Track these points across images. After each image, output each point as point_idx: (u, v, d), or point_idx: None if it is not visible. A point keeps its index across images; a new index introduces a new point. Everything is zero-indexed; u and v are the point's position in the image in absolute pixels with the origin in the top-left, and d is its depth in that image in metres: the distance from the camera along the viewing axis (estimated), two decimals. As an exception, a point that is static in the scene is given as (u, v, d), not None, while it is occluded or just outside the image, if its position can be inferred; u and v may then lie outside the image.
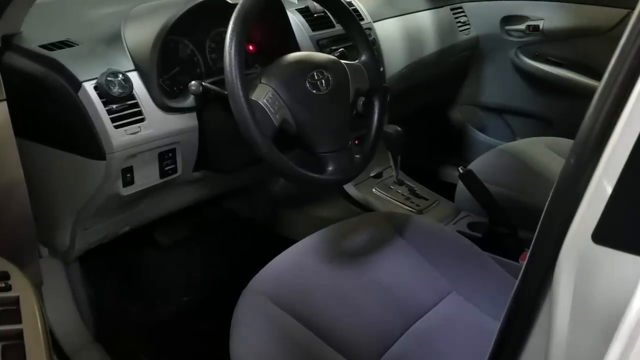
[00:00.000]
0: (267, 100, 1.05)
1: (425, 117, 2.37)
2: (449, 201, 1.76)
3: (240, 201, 1.86)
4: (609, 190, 0.43)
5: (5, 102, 0.87)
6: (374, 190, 1.74)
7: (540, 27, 1.98)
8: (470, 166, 1.61)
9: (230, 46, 0.99)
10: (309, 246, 1.17)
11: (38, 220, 1.17)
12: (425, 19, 1.93)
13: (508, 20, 2.07)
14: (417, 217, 1.31)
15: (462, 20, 2.10)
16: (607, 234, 0.44)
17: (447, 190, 1.78)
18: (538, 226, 0.51)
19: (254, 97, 1.05)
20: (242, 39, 1.00)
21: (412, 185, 1.78)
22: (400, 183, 1.76)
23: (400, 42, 1.78)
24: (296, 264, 1.13)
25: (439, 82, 2.19)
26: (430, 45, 1.92)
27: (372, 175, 1.80)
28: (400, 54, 1.77)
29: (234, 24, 1.01)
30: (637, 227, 0.43)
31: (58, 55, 1.07)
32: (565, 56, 1.98)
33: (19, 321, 0.68)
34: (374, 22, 1.68)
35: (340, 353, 0.98)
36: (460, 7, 2.11)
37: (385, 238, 1.21)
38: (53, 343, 1.27)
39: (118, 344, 1.42)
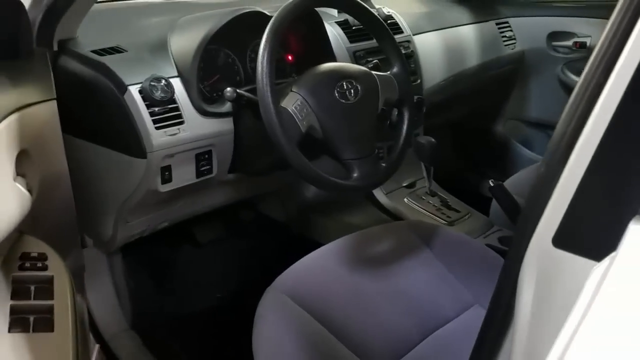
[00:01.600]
0: (295, 108, 1.10)
1: (466, 129, 2.37)
2: (482, 215, 1.75)
3: (274, 205, 1.92)
4: (569, 198, 0.46)
5: (55, 101, 0.96)
6: (405, 200, 1.76)
7: (587, 44, 1.96)
8: (509, 180, 1.61)
9: (262, 56, 1.06)
10: (333, 250, 1.21)
11: (84, 212, 1.26)
12: (468, 33, 1.95)
13: (555, 36, 2.05)
14: (443, 228, 1.32)
15: (507, 35, 2.10)
16: (565, 238, 0.47)
17: (485, 204, 1.78)
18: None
19: (283, 104, 1.10)
20: (273, 50, 1.06)
21: (445, 197, 1.78)
22: (433, 194, 1.77)
23: (440, 54, 1.80)
24: (318, 266, 1.17)
25: (481, 95, 2.19)
26: (472, 59, 1.93)
27: (404, 185, 1.81)
28: (440, 66, 1.79)
29: (267, 36, 1.07)
30: (591, 233, 0.46)
31: (107, 60, 1.15)
32: (611, 74, 1.94)
33: (51, 298, 0.76)
34: (414, 35, 1.71)
35: (355, 354, 1.01)
36: (507, 22, 2.11)
37: (409, 247, 1.23)
38: (92, 327, 1.37)
39: (152, 333, 1.50)
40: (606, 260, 0.38)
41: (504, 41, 2.08)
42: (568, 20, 2.01)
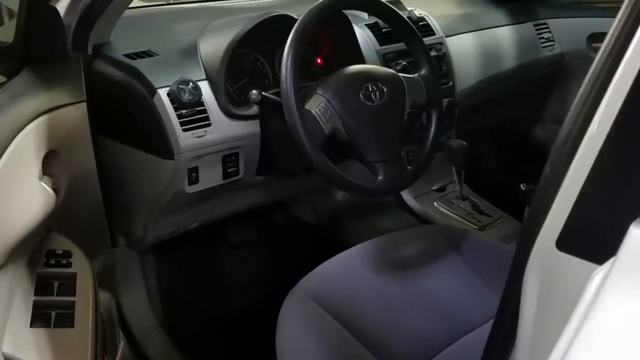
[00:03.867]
0: (319, 110, 1.10)
1: (502, 133, 2.32)
2: (515, 220, 1.71)
3: (305, 207, 1.92)
4: (572, 201, 0.45)
5: (84, 104, 0.99)
6: (435, 203, 1.74)
7: (630, 44, 1.88)
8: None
9: (286, 59, 1.06)
10: (359, 253, 1.20)
11: (116, 212, 1.29)
12: (505, 35, 1.91)
13: (596, 37, 1.99)
14: (474, 233, 1.30)
15: (545, 37, 2.04)
16: (569, 242, 0.46)
17: (520, 210, 1.73)
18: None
19: (307, 106, 1.11)
20: (297, 53, 1.07)
21: (477, 201, 1.75)
22: (464, 198, 1.74)
23: (474, 57, 1.77)
24: (343, 268, 1.17)
25: (518, 98, 2.14)
26: (508, 61, 1.89)
27: (434, 188, 1.79)
28: (473, 68, 1.76)
29: (291, 39, 1.08)
30: (593, 236, 0.44)
31: (138, 63, 1.18)
32: (656, 75, 1.87)
33: (73, 294, 0.78)
34: (447, 37, 1.69)
35: (378, 358, 1.00)
36: (545, 23, 2.06)
37: (438, 251, 1.21)
38: (123, 324, 1.40)
39: (181, 332, 1.52)
40: (607, 264, 0.37)
41: (542, 43, 2.02)
42: (609, 21, 1.92)
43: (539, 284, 0.48)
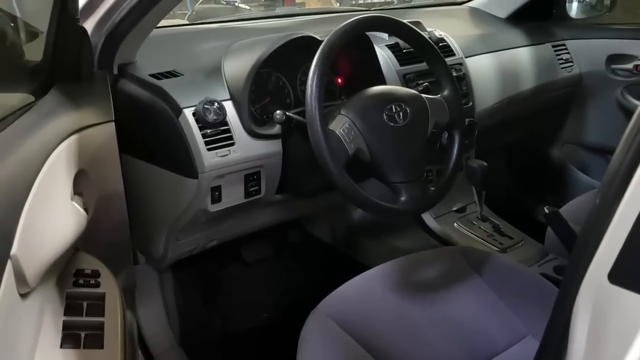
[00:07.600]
0: (343, 130, 1.10)
1: (521, 153, 2.31)
2: (537, 242, 1.69)
3: (321, 226, 1.92)
4: (627, 232, 0.44)
5: (113, 123, 1.00)
6: (455, 224, 1.72)
7: (649, 67, 1.89)
8: (566, 207, 1.55)
9: (312, 80, 1.07)
10: (380, 274, 1.19)
11: (137, 230, 1.30)
12: (523, 55, 1.91)
13: (614, 59, 1.99)
14: (496, 255, 1.28)
15: (564, 58, 2.04)
16: (622, 274, 0.45)
17: (540, 231, 1.72)
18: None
19: (331, 126, 1.11)
20: (323, 73, 1.07)
21: (497, 223, 1.73)
22: (485, 219, 1.72)
23: (493, 77, 1.77)
24: (365, 290, 1.16)
25: (536, 118, 2.14)
26: (527, 81, 1.89)
27: (454, 209, 1.78)
28: (493, 89, 1.76)
29: (317, 60, 1.08)
30: None
31: (164, 83, 1.19)
32: (675, 98, 1.87)
33: (102, 314, 0.78)
34: (466, 57, 1.69)
35: None
36: (564, 45, 2.06)
37: (459, 273, 1.20)
38: (142, 343, 1.40)
39: (199, 351, 1.51)
40: None
41: (561, 64, 2.03)
42: (628, 43, 1.95)
43: (589, 319, 0.47)
